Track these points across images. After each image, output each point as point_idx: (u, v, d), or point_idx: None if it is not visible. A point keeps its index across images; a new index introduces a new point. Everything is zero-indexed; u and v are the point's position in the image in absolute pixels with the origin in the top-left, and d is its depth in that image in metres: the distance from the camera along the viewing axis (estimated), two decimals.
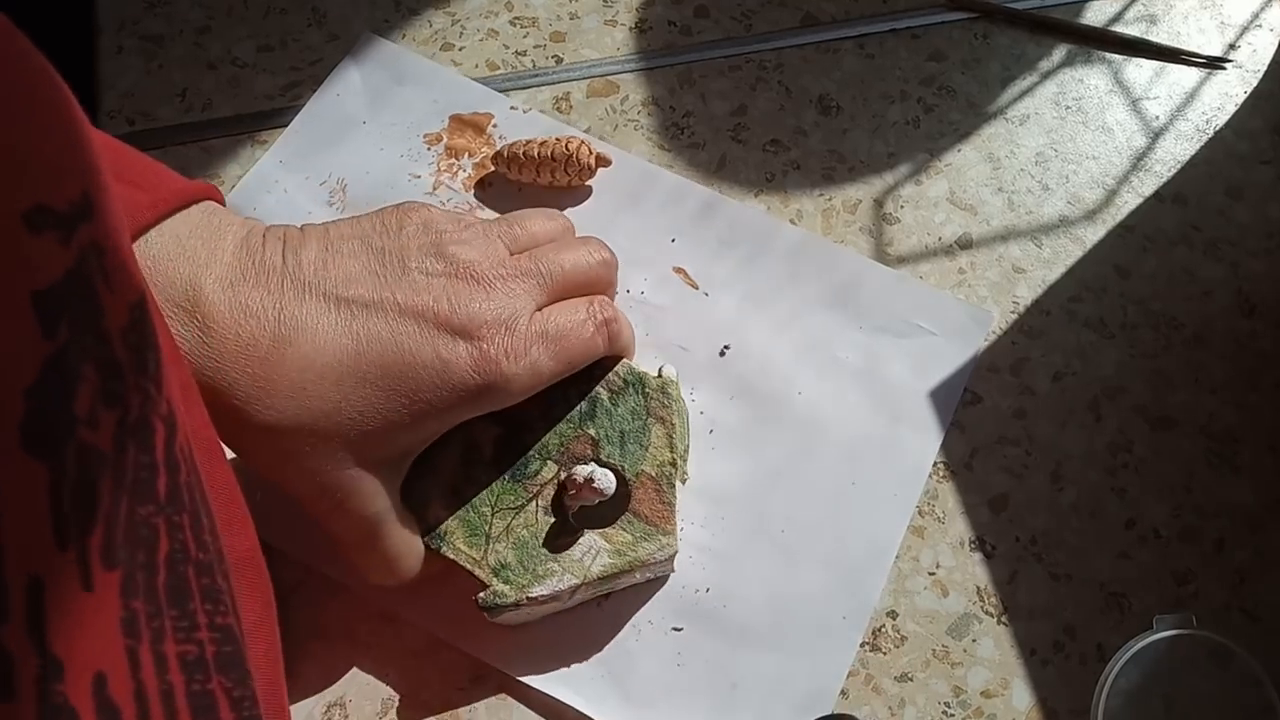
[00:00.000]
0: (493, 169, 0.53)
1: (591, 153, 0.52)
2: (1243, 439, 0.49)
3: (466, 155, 0.54)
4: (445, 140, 0.55)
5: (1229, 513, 0.48)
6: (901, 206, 0.54)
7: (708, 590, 0.45)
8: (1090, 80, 0.57)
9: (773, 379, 0.49)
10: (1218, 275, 0.53)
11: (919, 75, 0.57)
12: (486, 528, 0.42)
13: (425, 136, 0.55)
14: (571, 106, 0.56)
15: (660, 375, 0.46)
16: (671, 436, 0.44)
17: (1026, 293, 0.52)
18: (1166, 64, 0.58)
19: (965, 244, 0.53)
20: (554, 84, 0.57)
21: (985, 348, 0.51)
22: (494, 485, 0.43)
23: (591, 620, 0.45)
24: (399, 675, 0.44)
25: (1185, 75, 0.58)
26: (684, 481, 0.45)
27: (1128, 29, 0.59)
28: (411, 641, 0.44)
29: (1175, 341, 0.51)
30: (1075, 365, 0.50)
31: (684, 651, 0.44)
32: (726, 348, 0.50)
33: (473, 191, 0.53)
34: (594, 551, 0.42)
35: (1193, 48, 0.58)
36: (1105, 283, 0.52)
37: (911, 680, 0.44)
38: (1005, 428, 0.49)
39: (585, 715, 0.43)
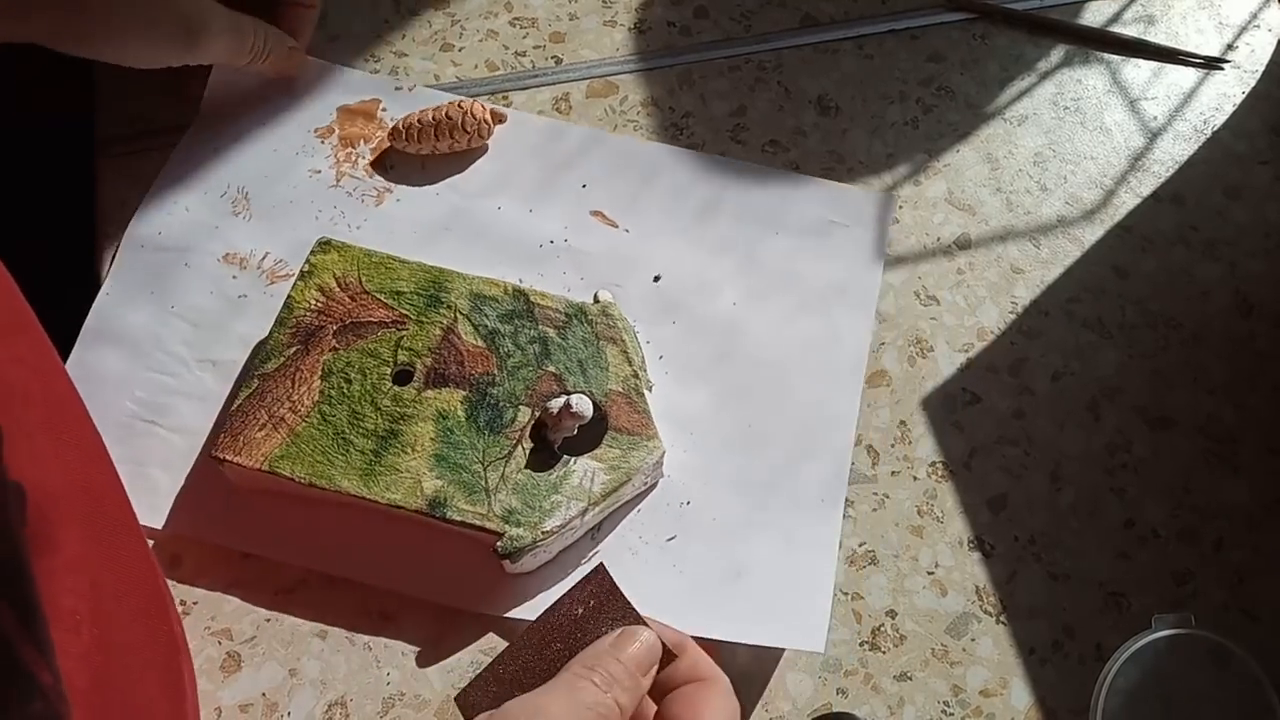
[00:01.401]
0: (389, 146, 0.54)
1: (485, 110, 0.52)
2: (1241, 439, 0.49)
3: (362, 142, 0.55)
4: (337, 131, 0.55)
5: (1228, 513, 0.48)
6: (900, 207, 0.54)
7: (689, 502, 0.47)
8: (1088, 81, 0.58)
9: (707, 296, 0.51)
10: (1216, 275, 0.53)
11: (918, 76, 0.57)
12: (483, 483, 0.44)
13: (316, 131, 0.55)
14: (571, 107, 0.56)
15: (597, 301, 0.48)
16: (626, 352, 0.47)
17: (1025, 293, 0.52)
18: (1164, 64, 0.58)
19: (964, 244, 0.53)
20: (553, 84, 0.57)
21: (983, 348, 0.51)
22: (476, 443, 0.44)
23: (590, 554, 0.46)
24: (399, 675, 0.44)
25: (1183, 76, 0.58)
26: (650, 389, 0.47)
27: (1126, 29, 0.59)
28: (413, 640, 0.44)
29: (1173, 342, 0.51)
30: (1074, 365, 0.50)
31: (682, 559, 0.45)
32: (658, 277, 0.51)
33: (376, 176, 0.54)
34: (590, 474, 0.44)
35: (1191, 48, 0.58)
36: (1103, 283, 0.52)
37: (910, 679, 0.44)
38: (1004, 428, 0.49)
39: None
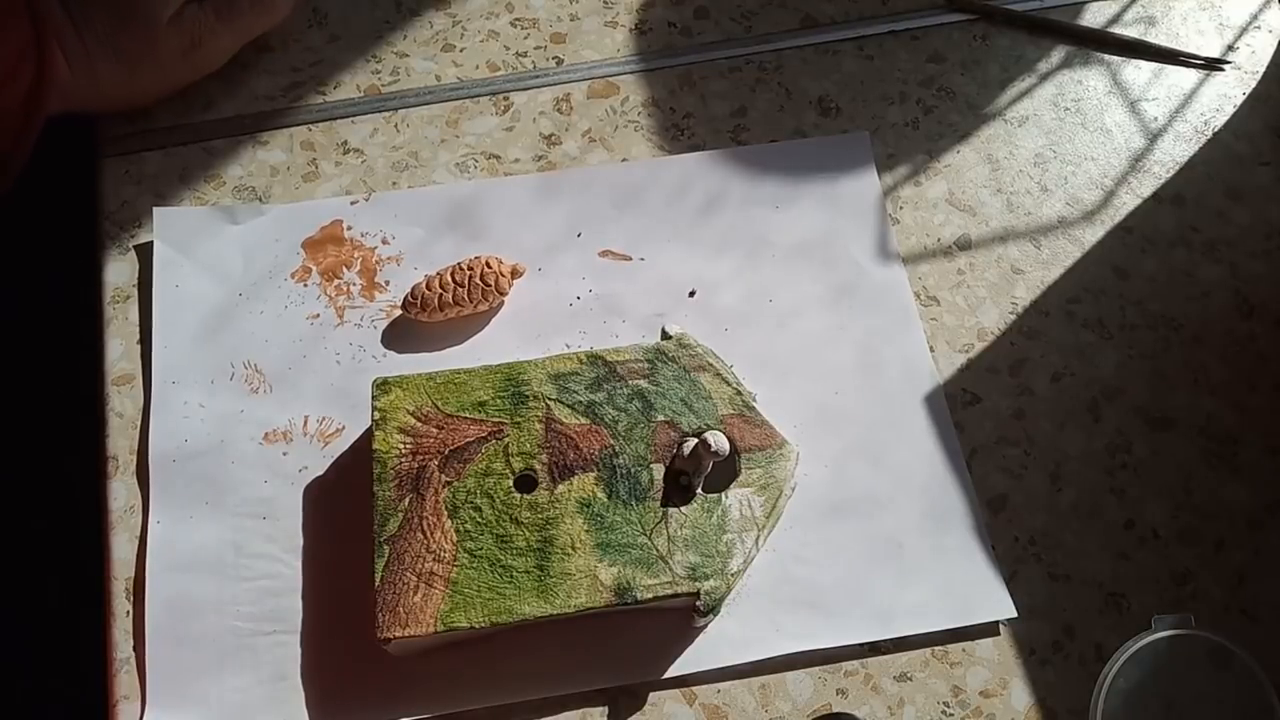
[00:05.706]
0: (400, 315, 0.50)
1: (505, 270, 0.50)
2: (1241, 440, 0.49)
3: (345, 269, 0.51)
4: (314, 269, 0.51)
5: (1228, 513, 0.48)
6: (901, 207, 0.54)
7: (820, 493, 0.47)
8: (1089, 82, 0.58)
9: (742, 290, 0.51)
10: (1216, 276, 0.53)
11: (918, 77, 0.57)
12: (656, 552, 0.43)
13: (292, 276, 0.51)
14: (572, 108, 0.56)
15: (669, 337, 0.47)
16: (720, 374, 0.46)
17: (1025, 294, 0.52)
18: (1165, 65, 0.58)
19: (964, 245, 0.53)
20: (554, 85, 0.57)
21: (983, 348, 0.51)
22: (629, 516, 0.43)
23: (755, 579, 0.46)
24: None
25: (1184, 77, 0.58)
26: (756, 400, 0.46)
27: (1126, 30, 0.59)
28: None
29: (1174, 342, 0.51)
30: (1074, 366, 0.50)
31: (838, 550, 0.46)
32: (693, 292, 0.51)
33: (378, 298, 0.51)
34: (745, 501, 0.44)
35: (1191, 49, 0.58)
36: (1104, 284, 0.52)
37: (910, 680, 0.44)
38: (1004, 428, 0.49)
39: (798, 656, 0.44)
